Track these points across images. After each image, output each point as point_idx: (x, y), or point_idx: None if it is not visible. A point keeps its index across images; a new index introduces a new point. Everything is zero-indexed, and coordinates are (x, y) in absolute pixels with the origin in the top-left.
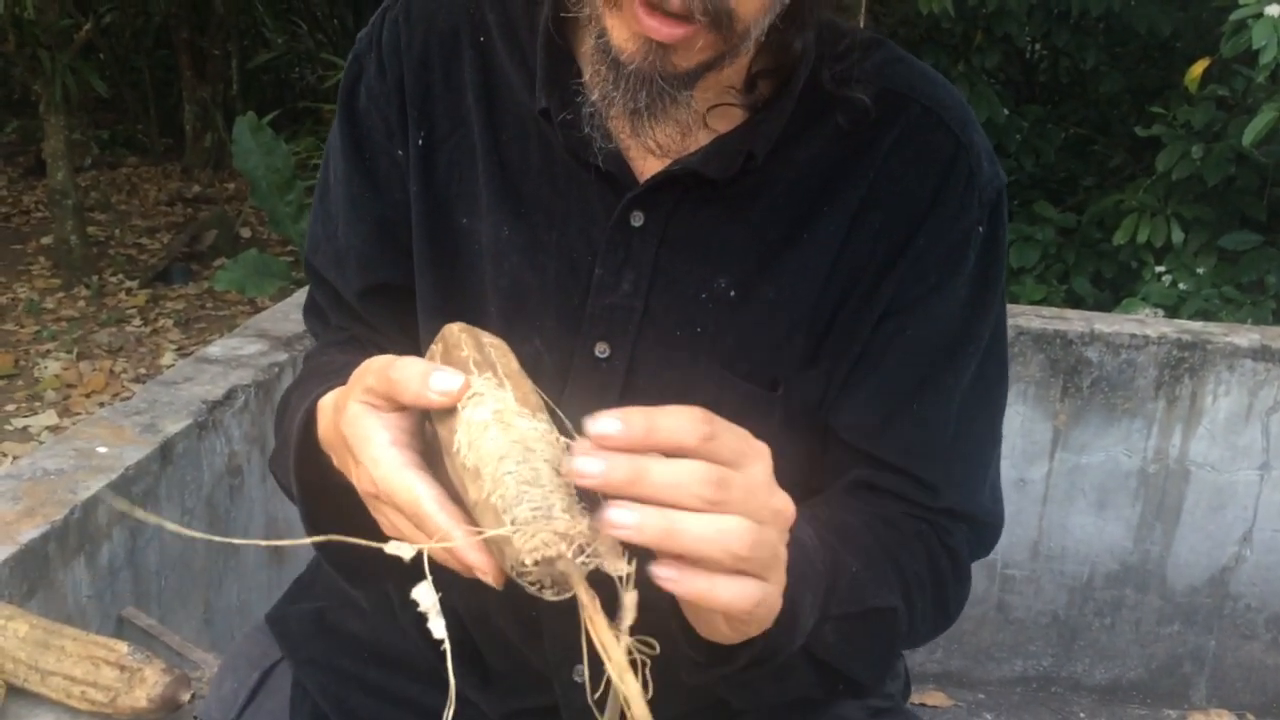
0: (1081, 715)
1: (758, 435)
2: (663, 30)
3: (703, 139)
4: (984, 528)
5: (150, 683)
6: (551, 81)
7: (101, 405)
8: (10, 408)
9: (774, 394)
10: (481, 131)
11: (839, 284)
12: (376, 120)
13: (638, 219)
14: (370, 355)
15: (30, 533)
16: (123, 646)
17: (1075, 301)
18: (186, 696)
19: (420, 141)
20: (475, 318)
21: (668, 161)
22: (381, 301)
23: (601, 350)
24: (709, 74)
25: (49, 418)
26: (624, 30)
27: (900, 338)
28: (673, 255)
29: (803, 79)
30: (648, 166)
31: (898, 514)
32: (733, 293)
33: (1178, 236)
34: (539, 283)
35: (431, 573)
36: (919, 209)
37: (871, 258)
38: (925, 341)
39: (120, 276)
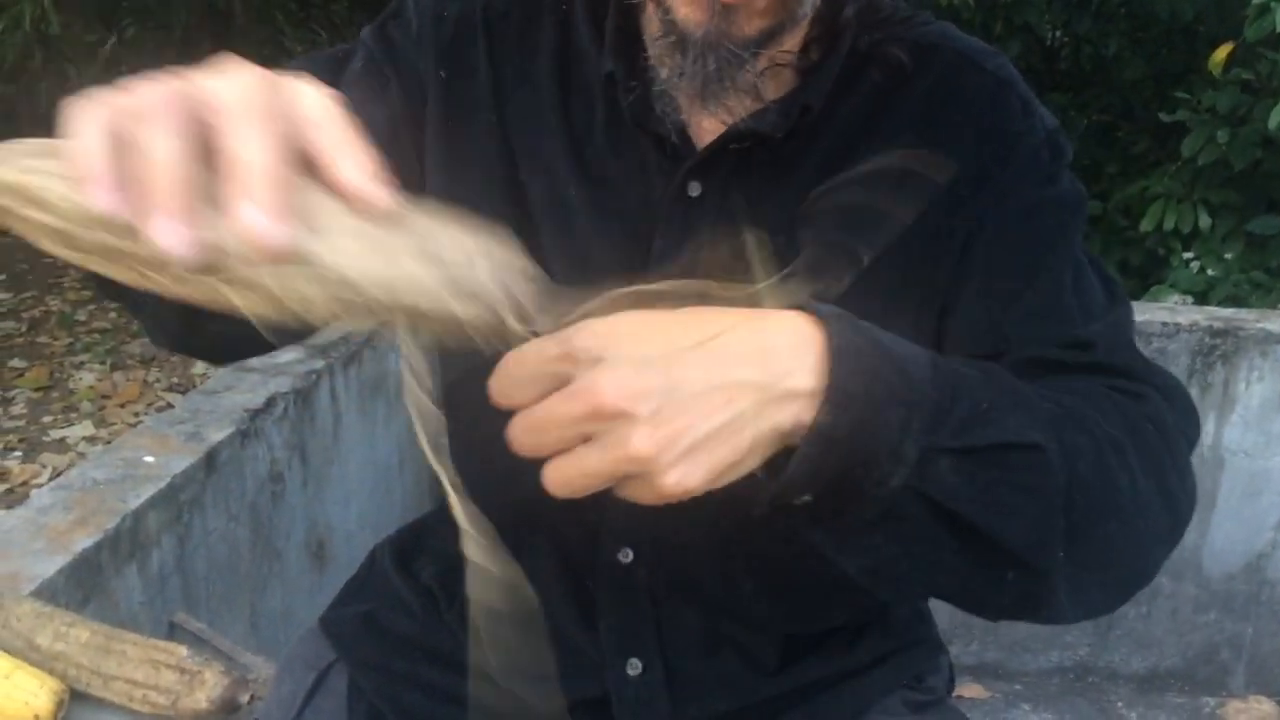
0: (1119, 705)
1: None
2: None
3: (756, 106)
4: (1169, 390)
5: (210, 685)
6: (620, 46)
7: (137, 415)
8: (47, 419)
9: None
10: (551, 90)
11: None
12: (414, 27)
13: (695, 189)
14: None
15: (84, 541)
16: (182, 650)
17: None
18: (246, 698)
19: (487, 81)
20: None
21: (724, 129)
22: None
23: None
24: (771, 43)
25: (85, 428)
26: (688, 2)
27: (990, 241)
28: (731, 224)
29: (849, 41)
30: (705, 136)
31: (1074, 384)
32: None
33: (1205, 222)
34: (602, 249)
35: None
36: (968, 145)
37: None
38: (1020, 236)
39: None
